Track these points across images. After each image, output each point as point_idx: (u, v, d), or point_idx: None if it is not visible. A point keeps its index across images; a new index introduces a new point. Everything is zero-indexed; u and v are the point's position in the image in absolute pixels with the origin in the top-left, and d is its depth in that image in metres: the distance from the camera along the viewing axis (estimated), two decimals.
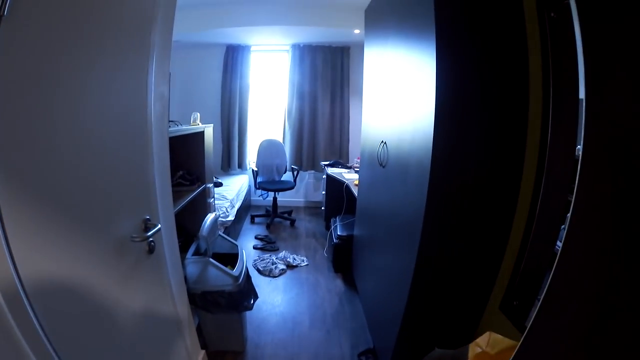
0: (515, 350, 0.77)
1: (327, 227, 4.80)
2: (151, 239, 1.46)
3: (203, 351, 2.37)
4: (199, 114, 3.32)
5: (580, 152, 0.65)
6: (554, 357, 0.69)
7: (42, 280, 0.94)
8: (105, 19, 1.20)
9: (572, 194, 0.66)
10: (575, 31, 0.66)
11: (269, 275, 3.80)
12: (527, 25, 1.51)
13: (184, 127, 2.88)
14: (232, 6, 4.86)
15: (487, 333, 1.26)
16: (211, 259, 2.25)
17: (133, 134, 1.43)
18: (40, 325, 0.92)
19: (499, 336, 1.23)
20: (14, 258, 0.84)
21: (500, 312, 1.67)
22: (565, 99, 1.32)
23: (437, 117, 1.52)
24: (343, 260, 3.83)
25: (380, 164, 2.42)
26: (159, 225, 1.47)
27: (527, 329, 0.73)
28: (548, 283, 0.68)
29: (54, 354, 0.96)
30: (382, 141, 2.40)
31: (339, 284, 3.68)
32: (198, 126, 3.11)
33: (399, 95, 2.12)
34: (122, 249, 1.32)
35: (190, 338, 2.10)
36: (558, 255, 0.67)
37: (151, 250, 1.49)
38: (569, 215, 0.67)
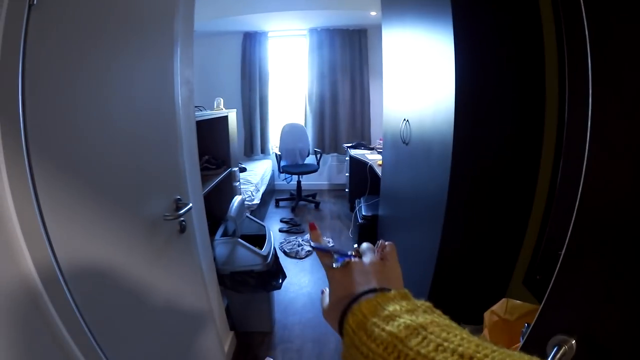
0: (539, 310, 0.77)
1: (352, 209, 4.81)
2: (182, 219, 1.51)
3: (232, 332, 2.43)
4: (222, 99, 3.36)
5: (588, 138, 0.65)
6: (578, 311, 0.71)
7: (79, 262, 0.98)
8: (131, 8, 1.23)
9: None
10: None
11: (295, 257, 3.86)
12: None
13: (209, 111, 2.93)
14: None
15: (504, 300, 1.23)
16: (240, 239, 2.30)
17: (162, 116, 1.47)
18: (78, 308, 0.94)
19: (517, 302, 1.20)
20: (51, 242, 0.87)
21: (524, 287, 1.67)
22: (580, 74, 1.30)
23: (457, 93, 1.52)
24: (368, 240, 3.75)
25: (404, 142, 2.42)
26: (190, 204, 1.51)
27: (549, 289, 0.74)
28: (567, 239, 0.69)
29: (90, 336, 0.98)
30: (405, 119, 2.39)
31: None
32: (222, 111, 3.15)
33: (419, 74, 2.10)
34: (154, 228, 1.36)
35: (219, 319, 2.15)
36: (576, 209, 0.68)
37: (182, 229, 1.54)
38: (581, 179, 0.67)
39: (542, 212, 1.58)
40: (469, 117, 1.56)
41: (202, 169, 2.81)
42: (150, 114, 1.38)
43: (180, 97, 1.59)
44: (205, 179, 2.67)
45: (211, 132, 3.11)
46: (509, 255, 1.76)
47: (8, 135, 0.77)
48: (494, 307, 1.22)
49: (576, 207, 0.67)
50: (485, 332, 1.21)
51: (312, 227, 0.63)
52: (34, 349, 0.84)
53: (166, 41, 1.50)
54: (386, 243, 0.60)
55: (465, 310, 1.86)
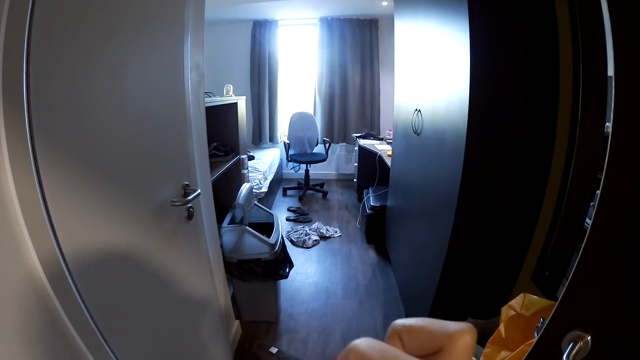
0: (555, 306, 0.75)
1: (360, 199, 4.79)
2: (190, 205, 1.48)
3: (237, 321, 2.43)
4: (231, 86, 3.33)
5: (610, 130, 0.62)
6: (595, 307, 0.69)
7: (84, 253, 0.94)
8: None
9: (602, 172, 0.64)
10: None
11: (302, 246, 3.85)
12: None
13: (218, 98, 2.90)
14: None
15: (522, 295, 1.21)
16: (247, 227, 2.28)
17: (171, 100, 1.44)
18: (83, 301, 0.91)
19: (534, 297, 1.18)
20: (56, 233, 0.83)
21: (532, 282, 1.65)
22: (593, 75, 1.27)
23: (472, 83, 1.49)
24: (376, 231, 3.84)
25: (415, 132, 2.38)
26: (199, 190, 1.48)
27: (567, 284, 0.72)
28: (587, 234, 0.67)
29: (96, 330, 0.96)
30: (417, 109, 2.36)
31: (371, 254, 3.70)
32: (231, 97, 3.13)
33: (433, 64, 2.07)
34: (162, 213, 1.34)
35: (225, 308, 2.14)
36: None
37: (190, 216, 1.52)
38: (598, 192, 0.65)
39: (552, 208, 1.56)
40: (483, 108, 1.53)
41: (210, 156, 2.79)
42: (160, 98, 1.34)
43: (190, 82, 1.56)
44: (213, 166, 2.65)
45: (220, 119, 3.10)
46: (518, 250, 1.74)
47: (11, 118, 0.73)
48: (512, 302, 1.21)
49: (597, 202, 0.65)
50: (502, 327, 1.19)
51: None
52: (41, 347, 0.82)
53: (177, 25, 1.46)
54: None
55: (473, 304, 1.85)
